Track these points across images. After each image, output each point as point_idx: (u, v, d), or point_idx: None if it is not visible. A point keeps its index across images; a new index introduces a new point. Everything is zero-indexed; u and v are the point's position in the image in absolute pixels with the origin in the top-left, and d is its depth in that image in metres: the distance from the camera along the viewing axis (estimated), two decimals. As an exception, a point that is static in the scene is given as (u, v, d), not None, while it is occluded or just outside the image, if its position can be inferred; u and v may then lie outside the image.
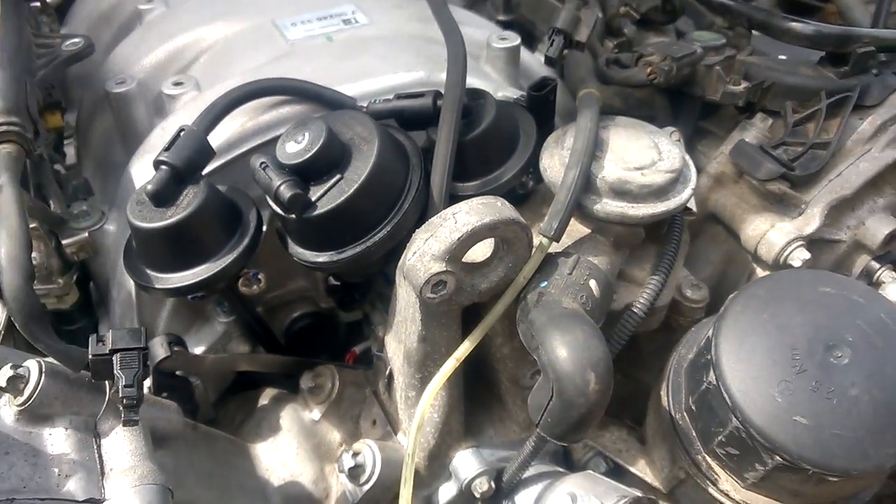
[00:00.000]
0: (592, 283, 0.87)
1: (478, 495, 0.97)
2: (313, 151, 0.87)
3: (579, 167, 0.88)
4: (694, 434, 0.90)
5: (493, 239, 0.86)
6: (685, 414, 0.91)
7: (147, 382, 0.96)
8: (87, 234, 0.97)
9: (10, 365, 0.75)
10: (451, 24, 1.05)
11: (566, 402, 0.76)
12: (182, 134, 0.88)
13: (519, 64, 1.17)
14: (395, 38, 1.14)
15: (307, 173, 0.88)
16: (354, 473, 0.96)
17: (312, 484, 1.01)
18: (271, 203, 0.90)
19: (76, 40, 1.09)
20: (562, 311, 0.81)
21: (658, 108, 1.14)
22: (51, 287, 0.97)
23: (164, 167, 0.87)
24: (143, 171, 1.02)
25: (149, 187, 0.86)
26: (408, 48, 1.11)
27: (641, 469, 1.02)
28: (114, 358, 0.75)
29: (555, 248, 0.90)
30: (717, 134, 1.19)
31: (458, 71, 0.96)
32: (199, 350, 1.06)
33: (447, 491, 1.01)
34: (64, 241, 0.96)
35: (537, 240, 0.89)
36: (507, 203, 0.86)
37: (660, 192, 0.90)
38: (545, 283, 0.87)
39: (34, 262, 0.91)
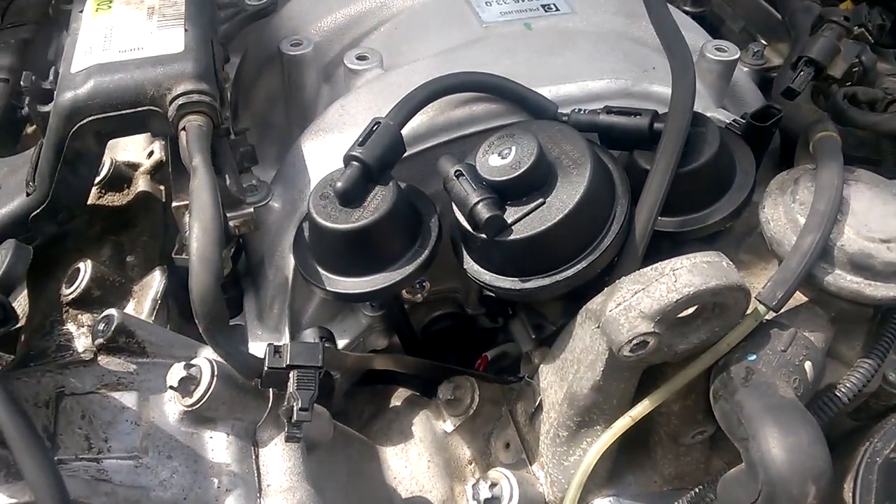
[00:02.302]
0: (808, 366, 0.77)
1: (613, 547, 0.90)
2: (521, 171, 0.78)
3: (819, 232, 0.76)
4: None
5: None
6: (873, 515, 0.81)
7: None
8: (251, 210, 0.91)
9: (183, 364, 0.71)
10: (672, 29, 0.93)
11: (776, 511, 0.68)
12: (377, 128, 0.81)
13: (730, 80, 1.04)
14: (599, 35, 1.02)
15: (507, 192, 0.79)
16: (490, 504, 0.90)
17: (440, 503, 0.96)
18: (459, 216, 0.82)
19: (261, -6, 1.01)
20: (780, 402, 0.72)
21: (885, 153, 1.00)
22: (210, 261, 0.92)
23: (355, 164, 0.80)
24: (316, 151, 0.95)
25: (338, 185, 0.79)
26: (614, 48, 1.00)
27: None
28: (291, 375, 0.70)
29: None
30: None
31: (687, 94, 0.84)
32: (342, 341, 1.01)
33: (581, 535, 0.94)
34: (229, 215, 0.90)
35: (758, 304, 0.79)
36: (731, 263, 0.75)
37: (904, 272, 0.78)
38: (754, 356, 0.77)
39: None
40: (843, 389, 0.83)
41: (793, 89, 0.92)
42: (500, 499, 0.91)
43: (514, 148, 0.79)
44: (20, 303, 1.00)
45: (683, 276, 0.73)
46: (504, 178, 0.78)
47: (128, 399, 0.71)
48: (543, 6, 1.05)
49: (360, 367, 1.04)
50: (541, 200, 0.79)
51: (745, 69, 1.16)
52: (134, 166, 1.08)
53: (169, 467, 0.69)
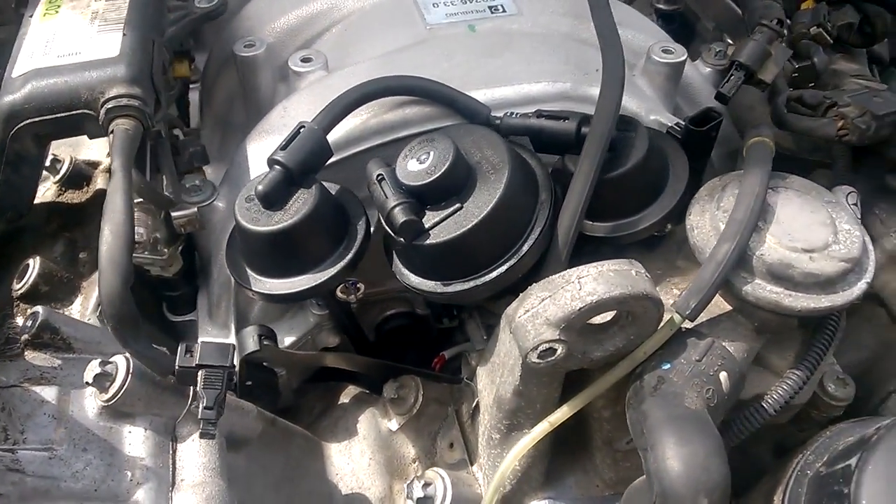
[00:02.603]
0: (723, 376, 0.77)
1: (546, 549, 0.91)
2: (435, 176, 0.79)
3: (735, 241, 0.76)
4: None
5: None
6: (799, 528, 0.80)
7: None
8: (195, 210, 0.94)
9: (99, 361, 0.74)
10: (610, 32, 0.92)
11: (668, 522, 0.68)
12: (301, 132, 0.82)
13: (679, 81, 1.03)
14: (543, 37, 1.02)
15: (425, 197, 0.80)
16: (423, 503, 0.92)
17: (378, 501, 0.98)
18: (382, 220, 0.83)
19: (209, -4, 1.03)
20: (683, 413, 0.72)
21: (837, 157, 0.98)
22: (156, 257, 0.95)
23: (277, 167, 0.81)
24: (259, 152, 0.97)
25: (259, 187, 0.81)
26: (556, 50, 0.99)
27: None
28: (199, 374, 0.72)
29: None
30: (904, 198, 1.01)
31: (613, 99, 0.84)
32: (290, 338, 1.03)
33: (515, 537, 0.95)
34: (173, 214, 0.93)
35: (667, 312, 0.78)
36: (642, 272, 0.75)
37: (827, 284, 0.77)
38: (668, 365, 0.77)
39: (141, 238, 0.89)
40: (769, 400, 0.83)
41: (723, 94, 0.91)
42: (434, 498, 0.92)
43: (431, 153, 0.80)
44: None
45: (588, 284, 0.73)
46: (421, 182, 0.79)
47: (48, 393, 0.74)
48: (490, 7, 1.05)
49: (307, 364, 1.06)
50: (458, 205, 0.79)
51: (708, 69, 1.15)
52: (94, 164, 1.10)
53: (83, 459, 0.72)
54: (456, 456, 1.01)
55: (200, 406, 0.71)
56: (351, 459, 1.02)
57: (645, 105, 0.97)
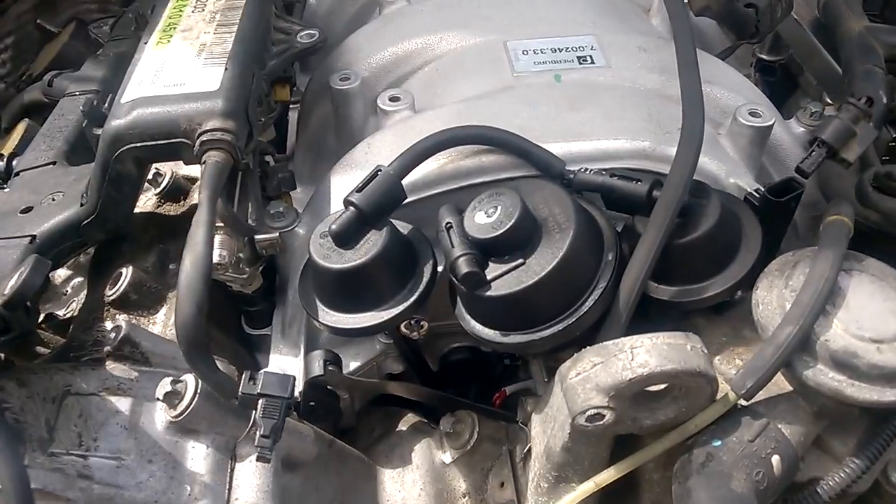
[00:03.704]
0: (775, 460, 0.75)
1: None
2: (501, 231, 0.80)
3: (799, 325, 0.74)
4: None
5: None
6: None
7: (299, 389, 0.98)
8: (277, 235, 0.99)
9: (171, 379, 0.79)
10: (695, 93, 0.91)
11: None
12: (377, 176, 0.86)
13: (765, 145, 1.01)
14: (628, 91, 1.02)
15: (490, 250, 0.82)
16: (471, 542, 0.94)
17: (425, 532, 1.00)
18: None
19: (311, 32, 1.08)
20: (728, 495, 0.71)
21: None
22: (237, 276, 1.00)
23: (351, 209, 0.85)
24: (341, 185, 1.01)
25: (333, 227, 0.85)
26: (639, 107, 0.99)
27: None
28: (259, 403, 0.77)
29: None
30: None
31: (687, 164, 0.83)
32: (355, 363, 1.06)
33: (552, 588, 0.95)
34: (256, 238, 0.98)
35: (723, 385, 0.77)
36: (698, 347, 0.74)
37: (893, 377, 0.74)
38: (719, 442, 0.76)
39: (223, 260, 0.95)
40: (825, 486, 0.80)
41: (803, 170, 0.88)
42: None
43: (499, 207, 0.82)
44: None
45: (641, 355, 0.73)
46: (486, 236, 0.81)
47: (122, 404, 0.80)
48: (579, 58, 1.05)
49: (370, 390, 1.10)
50: (521, 261, 0.81)
51: (801, 129, 1.11)
52: (192, 180, 1.18)
53: (147, 470, 0.77)
54: (506, 496, 1.02)
55: (257, 434, 0.75)
56: (403, 487, 1.04)
57: (725, 167, 0.96)
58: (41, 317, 1.18)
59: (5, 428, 0.65)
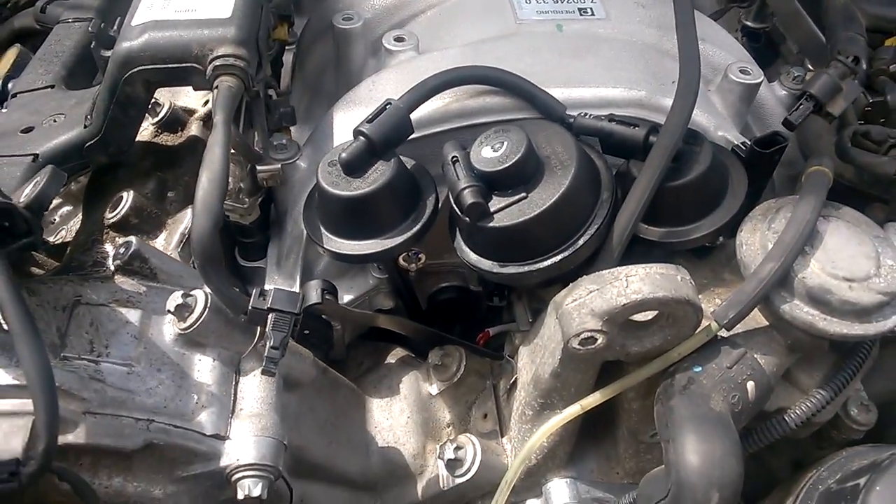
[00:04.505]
0: (750, 385, 0.81)
1: (562, 525, 0.96)
2: (506, 165, 0.84)
3: (780, 262, 0.80)
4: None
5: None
6: (805, 541, 0.84)
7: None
8: (279, 166, 1.01)
9: (181, 293, 0.82)
10: (691, 47, 0.96)
11: (679, 511, 0.73)
12: (387, 109, 0.88)
13: (752, 102, 1.06)
14: (627, 44, 1.06)
15: (494, 183, 0.86)
16: (452, 465, 0.99)
17: (411, 457, 1.05)
18: (450, 198, 0.89)
19: (317, -33, 1.10)
20: (707, 413, 0.76)
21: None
22: (237, 206, 1.03)
23: (361, 139, 0.88)
24: (343, 121, 1.03)
25: (343, 155, 0.88)
26: (637, 59, 1.03)
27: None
28: (269, 316, 0.80)
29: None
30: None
31: (684, 112, 0.88)
32: (348, 296, 1.10)
33: (534, 508, 1.01)
34: (258, 168, 1.00)
35: (707, 319, 0.83)
36: (686, 278, 0.80)
37: (862, 313, 0.80)
38: (699, 368, 0.82)
39: (228, 187, 0.97)
40: (791, 415, 0.87)
41: (790, 122, 0.94)
42: (463, 461, 0.99)
43: (505, 143, 0.85)
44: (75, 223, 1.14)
45: (635, 283, 0.78)
46: (492, 169, 0.85)
47: (132, 315, 0.82)
48: (580, 9, 1.09)
49: (362, 322, 1.13)
50: (523, 195, 0.85)
51: (783, 92, 1.17)
52: (190, 112, 1.19)
53: (157, 378, 0.80)
54: (488, 426, 1.07)
55: (267, 345, 0.78)
56: (390, 415, 1.09)
57: (715, 121, 1.01)
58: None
59: (31, 325, 0.66)
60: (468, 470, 0.98)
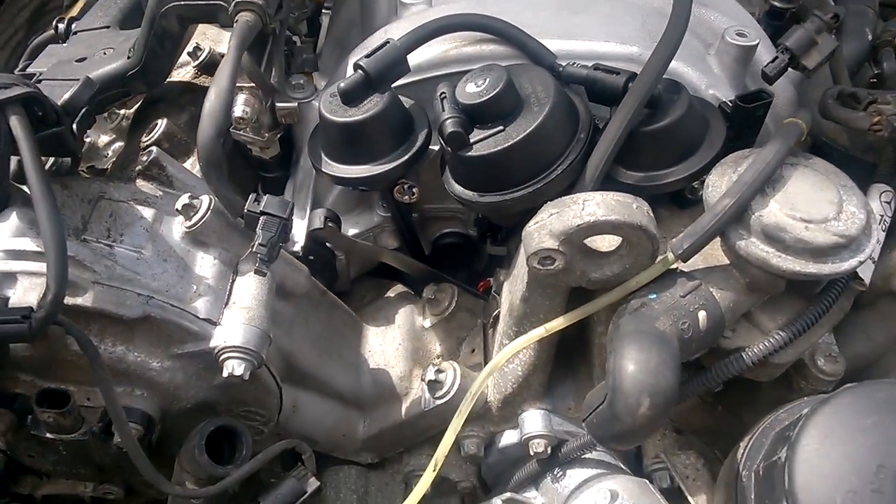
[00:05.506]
0: (702, 315, 0.85)
1: (532, 453, 1.02)
2: (485, 98, 0.91)
3: (736, 198, 0.84)
4: (752, 498, 0.87)
5: (621, 235, 0.86)
6: (752, 475, 0.88)
7: (301, 243, 1.11)
8: (296, 104, 1.11)
9: (189, 195, 0.92)
10: (684, 9, 1.00)
11: (612, 414, 0.78)
12: (385, 46, 0.97)
13: (749, 64, 1.09)
14: (627, 4, 1.11)
15: (476, 116, 0.93)
16: (433, 387, 1.06)
17: (399, 379, 1.12)
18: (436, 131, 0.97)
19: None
20: (650, 329, 0.81)
21: (885, 160, 1.02)
22: (257, 139, 1.13)
23: (359, 72, 0.96)
24: (356, 65, 1.12)
25: (341, 85, 0.96)
26: (634, 17, 1.08)
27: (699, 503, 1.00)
28: (260, 218, 0.89)
29: (687, 265, 0.88)
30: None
31: (661, 58, 0.92)
32: (354, 230, 1.18)
33: (509, 437, 1.07)
34: (277, 105, 1.10)
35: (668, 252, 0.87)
36: (644, 207, 0.85)
37: (817, 253, 0.83)
38: (654, 295, 0.86)
39: (246, 115, 1.07)
40: (748, 353, 0.90)
41: (766, 73, 0.97)
42: (443, 383, 1.06)
43: (487, 79, 0.92)
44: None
45: (590, 206, 0.83)
46: (472, 102, 0.92)
47: (147, 213, 0.93)
48: (585, -34, 1.14)
49: (365, 255, 1.21)
50: (501, 127, 0.92)
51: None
52: (227, 57, 1.30)
53: (162, 266, 0.90)
54: (475, 360, 1.14)
55: (256, 242, 0.88)
56: (383, 342, 1.16)
57: (706, 80, 1.05)
58: (85, 168, 1.33)
59: (50, 194, 0.77)
60: (447, 392, 1.05)
